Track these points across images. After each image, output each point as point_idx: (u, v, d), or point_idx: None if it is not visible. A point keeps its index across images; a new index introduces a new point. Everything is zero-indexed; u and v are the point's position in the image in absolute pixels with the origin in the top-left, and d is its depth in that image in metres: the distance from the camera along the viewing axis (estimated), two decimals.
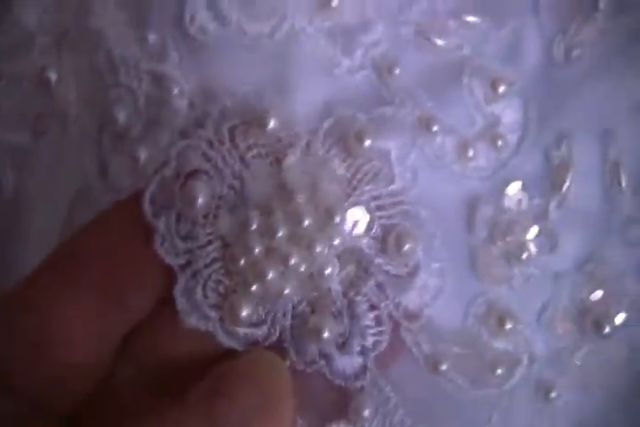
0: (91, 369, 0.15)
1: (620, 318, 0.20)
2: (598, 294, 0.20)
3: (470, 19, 0.20)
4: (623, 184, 0.20)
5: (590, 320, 0.19)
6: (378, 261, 0.17)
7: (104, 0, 0.19)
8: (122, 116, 0.18)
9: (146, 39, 0.18)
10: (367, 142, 0.17)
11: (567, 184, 0.20)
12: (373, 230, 0.17)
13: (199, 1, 0.18)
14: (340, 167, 0.17)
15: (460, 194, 0.19)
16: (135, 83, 0.18)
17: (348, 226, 0.16)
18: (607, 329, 0.19)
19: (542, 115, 0.20)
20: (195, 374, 0.15)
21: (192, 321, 0.16)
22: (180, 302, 0.16)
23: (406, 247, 0.17)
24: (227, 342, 0.16)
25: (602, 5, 0.21)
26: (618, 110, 0.21)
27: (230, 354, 0.16)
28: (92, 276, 0.15)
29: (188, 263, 0.16)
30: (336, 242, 0.16)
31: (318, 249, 0.16)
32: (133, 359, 0.16)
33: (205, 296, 0.16)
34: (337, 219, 0.16)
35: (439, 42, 0.20)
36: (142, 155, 0.17)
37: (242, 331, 0.16)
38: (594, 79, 0.21)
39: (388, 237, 0.17)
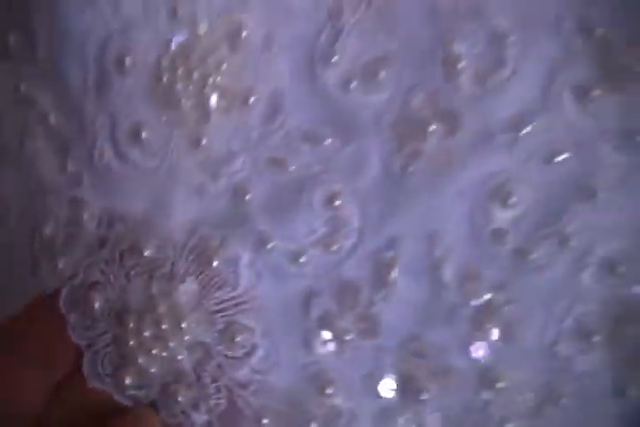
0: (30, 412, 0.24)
1: (435, 389, 0.24)
2: (420, 366, 0.24)
3: (322, 140, 0.24)
4: (447, 277, 0.24)
5: (411, 388, 0.24)
6: (217, 348, 0.24)
7: (35, 132, 0.26)
8: (47, 230, 0.25)
9: (66, 168, 0.25)
10: (218, 260, 0.24)
11: (393, 279, 0.24)
12: (216, 326, 0.23)
13: (106, 144, 0.25)
14: (194, 282, 0.24)
15: (297, 290, 0.25)
16: (57, 206, 0.25)
17: (196, 326, 0.23)
18: (424, 397, 0.24)
19: (377, 222, 0.24)
20: (100, 424, 0.23)
21: (96, 384, 0.24)
22: (86, 371, 0.24)
23: (239, 338, 0.24)
24: (120, 400, 0.24)
25: (432, 128, 0.24)
26: (438, 218, 0.24)
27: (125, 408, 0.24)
28: (33, 352, 0.24)
29: (91, 345, 0.24)
30: (186, 338, 0.23)
31: (172, 344, 0.23)
32: (63, 405, 0.24)
33: (102, 368, 0.23)
34: (186, 323, 0.23)
35: (292, 165, 0.25)
36: (60, 263, 0.25)
37: (129, 392, 0.23)
38: (424, 192, 0.24)
39: (226, 331, 0.24)
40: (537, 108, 0.24)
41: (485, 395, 0.24)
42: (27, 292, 0.25)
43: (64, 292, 0.24)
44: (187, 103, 0.24)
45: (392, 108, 0.24)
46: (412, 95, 0.24)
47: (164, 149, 0.24)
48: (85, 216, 0.24)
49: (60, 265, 0.25)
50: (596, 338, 0.25)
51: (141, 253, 0.23)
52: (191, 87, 0.24)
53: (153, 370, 0.23)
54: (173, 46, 0.24)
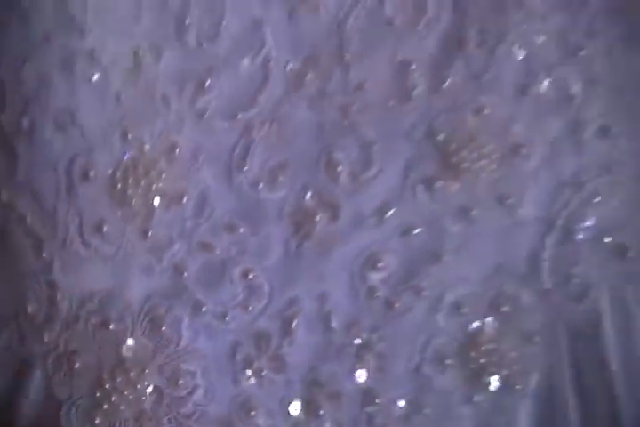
0: None
1: (329, 407, 0.33)
2: (318, 391, 0.33)
3: (237, 228, 0.33)
4: (335, 325, 0.33)
5: (312, 408, 0.33)
6: (167, 391, 0.32)
7: (14, 231, 0.33)
8: (30, 309, 0.33)
9: (41, 256, 0.33)
10: (165, 324, 0.32)
11: (295, 329, 0.33)
12: (165, 374, 0.32)
13: (75, 235, 0.32)
14: (149, 342, 0.32)
15: (225, 341, 0.33)
16: (37, 288, 0.32)
17: (152, 375, 0.31)
18: (321, 413, 0.33)
19: (281, 288, 0.33)
20: None
21: None
22: (62, 419, 0.31)
23: (182, 381, 0.32)
24: None
25: (319, 217, 0.33)
26: (326, 282, 0.33)
27: None
28: None
29: (69, 397, 0.31)
30: (146, 383, 0.31)
31: (138, 387, 0.31)
32: None
33: (77, 415, 0.31)
34: (147, 371, 0.31)
35: (217, 249, 0.33)
36: (45, 337, 0.32)
37: None
38: (314, 264, 0.33)
39: (172, 377, 0.32)
40: (397, 196, 0.33)
41: (368, 409, 0.33)
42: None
43: (49, 358, 0.31)
44: (137, 204, 0.32)
45: (289, 203, 0.33)
46: (303, 193, 0.33)
47: (120, 239, 0.32)
48: (59, 297, 0.32)
49: (45, 338, 0.32)
50: (449, 361, 0.34)
51: (108, 327, 0.32)
52: (139, 191, 0.32)
53: (122, 407, 0.31)
54: (125, 161, 0.32)
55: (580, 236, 0.34)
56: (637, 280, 0.35)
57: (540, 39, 0.33)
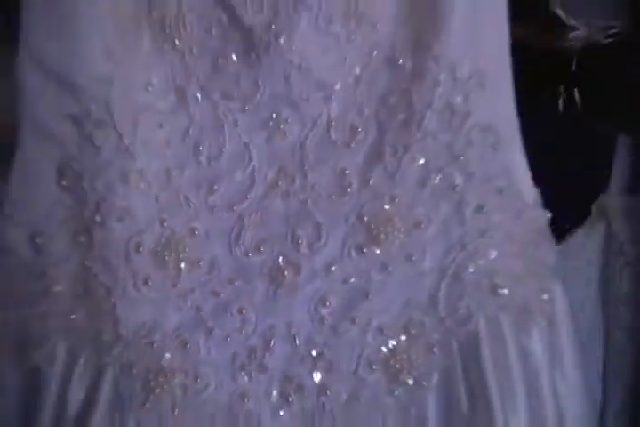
0: None
1: (296, 398, 0.50)
2: (288, 384, 0.50)
3: (235, 281, 0.51)
4: (299, 342, 0.50)
5: (285, 395, 0.50)
6: (190, 386, 0.49)
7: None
8: (103, 336, 0.50)
9: (110, 300, 0.50)
10: (190, 344, 0.50)
11: (273, 344, 0.50)
12: (190, 375, 0.49)
13: (131, 285, 0.50)
14: (179, 355, 0.50)
15: (229, 353, 0.50)
16: (107, 321, 0.50)
17: (183, 377, 0.49)
18: (290, 400, 0.50)
19: (263, 319, 0.51)
20: None
21: None
22: None
23: (199, 379, 0.50)
24: None
25: (287, 273, 0.50)
26: (292, 316, 0.51)
27: None
28: None
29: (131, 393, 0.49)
30: (176, 380, 0.49)
31: (172, 384, 0.49)
32: None
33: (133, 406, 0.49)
34: (177, 373, 0.49)
35: (222, 295, 0.51)
36: (113, 352, 0.49)
37: None
38: (285, 304, 0.51)
39: (194, 377, 0.50)
40: (338, 258, 0.51)
41: (322, 398, 0.51)
42: None
43: (117, 366, 0.49)
44: (170, 267, 0.50)
45: (267, 264, 0.51)
46: (277, 257, 0.51)
47: (160, 289, 0.50)
48: (121, 327, 0.49)
49: (113, 353, 0.49)
50: (376, 367, 0.51)
51: (152, 346, 0.49)
52: (172, 259, 0.50)
53: (162, 398, 0.49)
54: (162, 240, 0.50)
55: (465, 280, 0.52)
56: (508, 310, 0.52)
57: (433, 156, 0.51)
